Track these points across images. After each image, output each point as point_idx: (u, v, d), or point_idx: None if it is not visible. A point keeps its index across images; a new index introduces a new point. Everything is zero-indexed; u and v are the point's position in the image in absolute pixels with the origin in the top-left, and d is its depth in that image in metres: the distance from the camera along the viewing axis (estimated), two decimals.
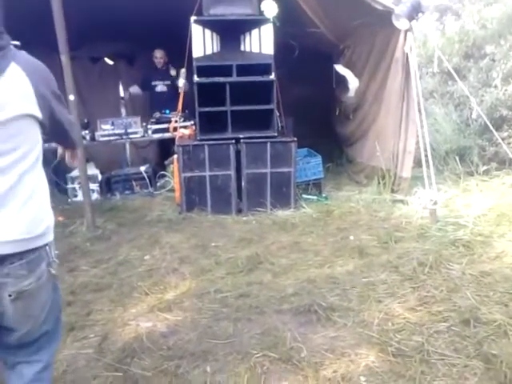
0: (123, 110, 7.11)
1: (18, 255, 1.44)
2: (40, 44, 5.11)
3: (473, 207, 4.45)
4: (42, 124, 1.50)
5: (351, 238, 4.00)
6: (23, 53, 1.48)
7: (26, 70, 1.41)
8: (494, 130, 5.15)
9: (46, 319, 1.62)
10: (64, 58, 4.14)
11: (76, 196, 5.54)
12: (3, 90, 1.38)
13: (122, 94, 7.41)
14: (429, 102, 6.75)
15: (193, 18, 4.66)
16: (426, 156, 4.52)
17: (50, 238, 1.56)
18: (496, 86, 6.22)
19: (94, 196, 5.43)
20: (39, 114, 1.46)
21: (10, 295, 1.45)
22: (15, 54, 1.43)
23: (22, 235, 1.44)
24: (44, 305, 1.58)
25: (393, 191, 5.11)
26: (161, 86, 6.67)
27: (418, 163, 4.96)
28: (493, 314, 2.62)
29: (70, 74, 4.19)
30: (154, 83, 6.68)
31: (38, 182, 1.52)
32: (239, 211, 4.89)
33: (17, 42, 1.50)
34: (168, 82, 6.61)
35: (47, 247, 1.54)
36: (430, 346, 2.40)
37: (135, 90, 6.94)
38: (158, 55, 6.56)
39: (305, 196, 5.25)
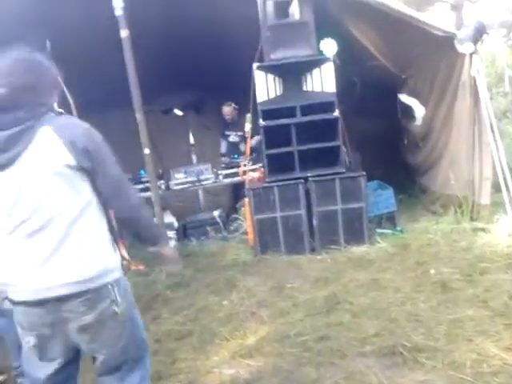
0: (194, 158, 7.38)
1: (76, 295, 1.67)
2: (116, 103, 5.57)
3: None
4: (84, 170, 1.68)
5: (432, 271, 3.83)
6: (63, 117, 1.79)
7: (57, 130, 1.64)
8: None
9: (124, 349, 1.81)
10: (138, 116, 4.39)
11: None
12: (34, 153, 1.62)
13: (192, 141, 7.73)
14: (503, 123, 6.46)
15: (255, 64, 4.82)
16: (505, 180, 4.29)
17: (109, 278, 1.73)
18: None
19: (172, 243, 5.62)
20: (73, 162, 1.64)
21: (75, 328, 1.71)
22: (51, 119, 1.67)
23: (75, 278, 1.66)
24: (116, 336, 1.79)
25: (472, 219, 4.85)
26: (233, 137, 6.90)
27: (496, 188, 4.71)
28: None
29: (144, 130, 4.44)
30: (227, 133, 6.95)
31: (89, 230, 1.70)
32: (313, 250, 4.85)
33: (61, 110, 1.82)
34: (240, 133, 6.75)
35: (109, 286, 1.71)
36: None
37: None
38: (226, 111, 6.77)
39: (379, 230, 5.12)
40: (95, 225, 1.73)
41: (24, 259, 1.67)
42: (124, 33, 4.22)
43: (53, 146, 1.62)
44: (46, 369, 1.79)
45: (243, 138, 6.68)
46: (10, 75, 1.63)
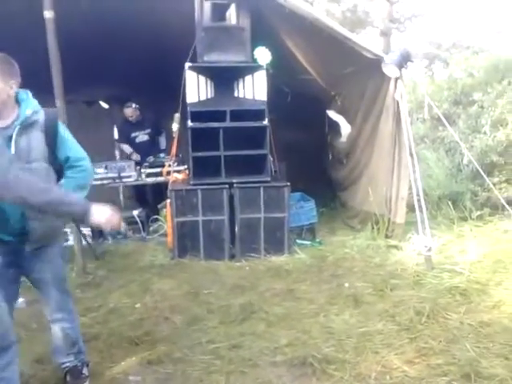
0: (117, 153, 7.11)
1: None
2: (36, 88, 5.21)
3: (468, 253, 4.42)
4: None
5: (346, 285, 3.93)
6: None
7: None
8: (485, 176, 5.19)
9: None
10: (59, 103, 4.16)
11: (67, 240, 5.43)
12: None
13: (116, 136, 7.44)
14: (420, 147, 6.83)
15: (187, 64, 4.72)
16: (419, 201, 4.51)
17: None
18: (485, 133, 6.32)
19: (84, 242, 5.33)
20: None
21: None
22: None
23: None
24: None
25: (387, 236, 5.07)
26: (141, 136, 6.75)
27: (411, 208, 4.95)
28: (494, 367, 2.54)
29: (64, 119, 4.19)
30: (133, 135, 6.74)
31: None
32: (232, 257, 4.82)
33: None
34: (148, 130, 6.72)
35: None
36: None
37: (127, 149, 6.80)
38: (128, 113, 6.62)
39: (299, 241, 5.20)
40: None
41: None
42: (48, 14, 3.97)
43: None
44: None
45: (154, 135, 6.75)
46: None
